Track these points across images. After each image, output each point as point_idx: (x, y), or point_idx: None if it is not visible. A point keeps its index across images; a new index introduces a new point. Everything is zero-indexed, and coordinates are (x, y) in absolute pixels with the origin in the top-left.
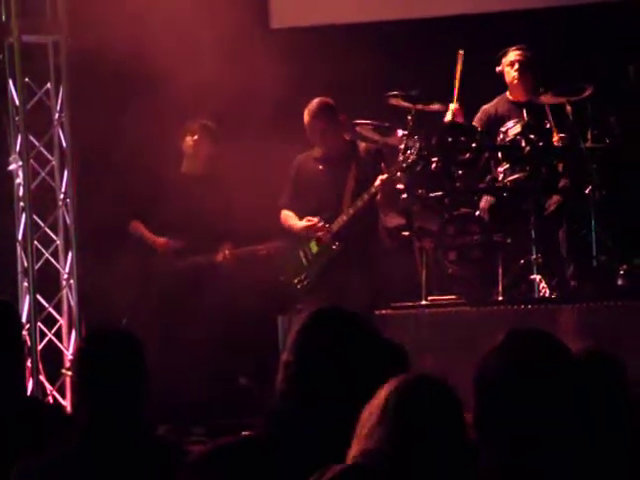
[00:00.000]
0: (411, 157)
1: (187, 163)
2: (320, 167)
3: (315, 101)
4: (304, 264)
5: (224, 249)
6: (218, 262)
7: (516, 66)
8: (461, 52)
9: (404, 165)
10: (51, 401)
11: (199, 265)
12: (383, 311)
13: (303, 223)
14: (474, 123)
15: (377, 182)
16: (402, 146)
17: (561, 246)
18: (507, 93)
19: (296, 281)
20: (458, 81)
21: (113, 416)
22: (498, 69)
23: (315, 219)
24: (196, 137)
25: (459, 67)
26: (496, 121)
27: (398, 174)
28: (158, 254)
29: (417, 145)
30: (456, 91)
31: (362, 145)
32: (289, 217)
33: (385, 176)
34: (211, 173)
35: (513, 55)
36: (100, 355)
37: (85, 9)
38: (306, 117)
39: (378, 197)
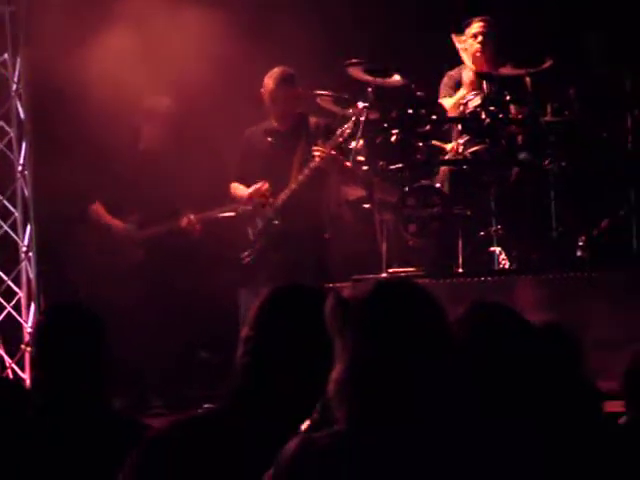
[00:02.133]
0: (347, 132)
1: (145, 140)
2: (269, 139)
3: (279, 69)
4: (250, 239)
5: (187, 214)
6: (182, 227)
7: (479, 38)
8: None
9: (340, 139)
10: (10, 374)
11: (162, 233)
12: (338, 284)
13: (249, 190)
14: (441, 88)
15: (316, 157)
16: (362, 118)
17: (521, 218)
18: (470, 62)
19: (241, 256)
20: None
21: (72, 391)
22: (462, 39)
23: (259, 184)
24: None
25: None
26: (461, 86)
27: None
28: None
29: (352, 120)
30: None
31: (312, 119)
32: (237, 188)
33: (321, 150)
34: (166, 148)
35: (476, 27)
36: (60, 329)
37: None
38: (269, 84)
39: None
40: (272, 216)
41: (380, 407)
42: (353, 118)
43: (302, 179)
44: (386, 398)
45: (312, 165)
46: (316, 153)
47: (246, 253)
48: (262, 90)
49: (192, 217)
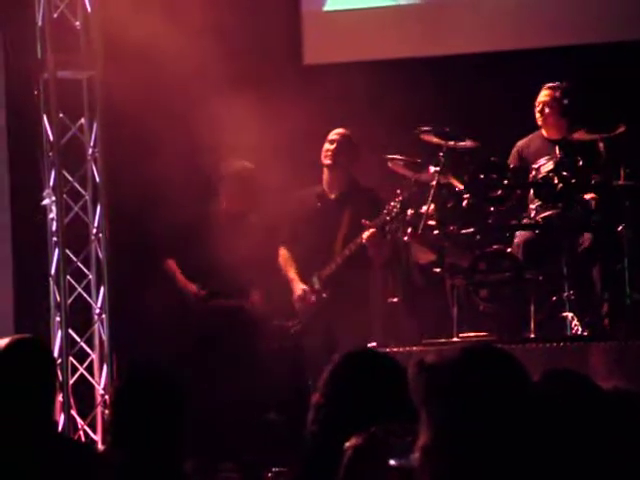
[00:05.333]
0: (395, 209)
1: (228, 202)
2: (319, 204)
3: (342, 130)
4: (296, 309)
5: (254, 295)
6: (247, 307)
7: (539, 107)
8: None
9: (387, 218)
10: (82, 436)
11: (230, 307)
12: (409, 348)
13: (299, 289)
14: (509, 160)
15: (365, 235)
16: (434, 183)
17: (594, 284)
18: (542, 130)
19: (290, 325)
20: None
21: (146, 454)
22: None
23: (309, 289)
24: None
25: None
26: (529, 157)
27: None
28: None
29: (402, 196)
30: None
31: (360, 186)
32: (286, 261)
33: (371, 231)
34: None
35: (541, 95)
36: (138, 394)
37: (119, 45)
38: (332, 141)
39: (368, 248)
40: (319, 288)
41: (469, 476)
42: (399, 198)
43: (347, 254)
44: (477, 467)
45: (358, 241)
46: (365, 234)
47: (293, 322)
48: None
49: (257, 297)
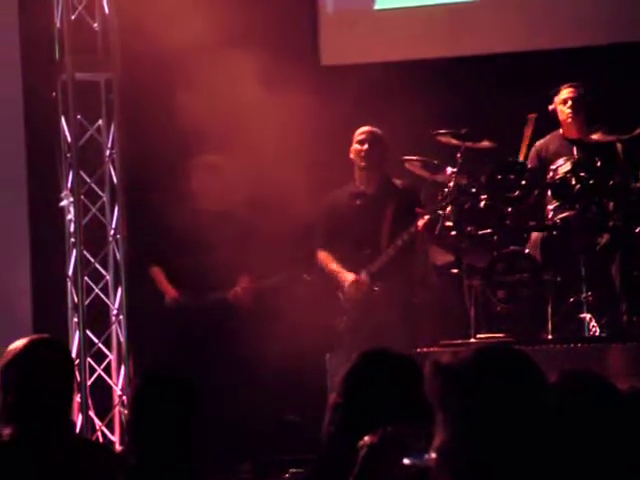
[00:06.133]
0: (449, 196)
1: (200, 199)
2: (357, 202)
3: (369, 128)
4: (343, 305)
5: (239, 285)
6: (230, 300)
7: (569, 103)
8: (533, 115)
9: (443, 204)
10: (100, 437)
11: (211, 304)
12: (427, 349)
13: (350, 277)
14: (528, 160)
15: (419, 223)
16: (451, 183)
17: (612, 285)
18: (560, 130)
19: (338, 322)
20: (525, 144)
21: (164, 456)
22: (550, 107)
23: (363, 277)
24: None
25: (529, 130)
26: (547, 158)
27: (440, 212)
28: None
29: (452, 183)
30: (523, 152)
31: (398, 182)
32: (328, 261)
33: (427, 218)
34: (226, 208)
35: (566, 92)
36: (156, 396)
37: (137, 45)
38: (363, 141)
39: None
40: (369, 282)
41: (487, 477)
42: (452, 183)
43: (400, 244)
44: (494, 467)
45: (412, 230)
46: (420, 222)
47: (343, 319)
48: (351, 151)
49: (239, 290)
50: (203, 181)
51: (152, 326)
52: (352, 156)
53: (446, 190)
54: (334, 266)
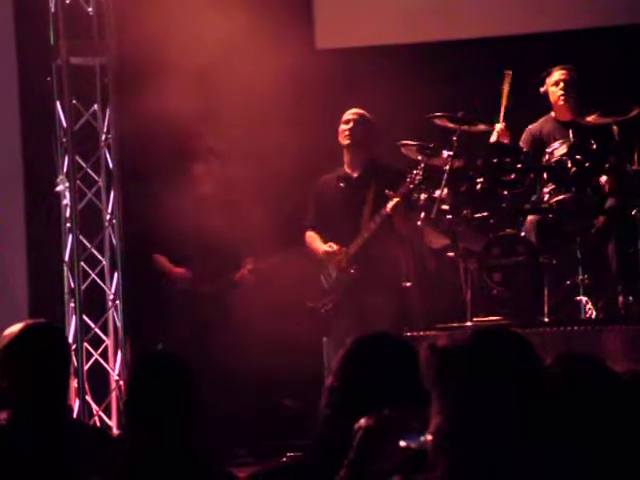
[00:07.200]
0: (417, 178)
1: (199, 185)
2: (341, 185)
3: (357, 110)
4: (326, 289)
5: (245, 266)
6: (237, 281)
7: (561, 85)
8: (509, 72)
9: (411, 186)
10: (97, 421)
11: (220, 288)
12: (423, 332)
13: (324, 247)
14: (520, 144)
15: (389, 205)
16: (447, 167)
17: (608, 267)
18: (552, 113)
19: (320, 305)
20: (505, 101)
21: (161, 440)
22: (542, 89)
23: (335, 246)
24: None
25: (506, 87)
26: (541, 141)
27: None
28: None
29: (421, 165)
30: (502, 111)
31: (383, 164)
32: (313, 240)
33: (395, 200)
34: (224, 192)
35: (558, 74)
36: (152, 380)
37: (132, 30)
38: (348, 121)
39: (393, 220)
40: (346, 264)
41: (485, 459)
42: (422, 165)
43: (374, 227)
44: (492, 449)
45: (383, 213)
46: (389, 204)
47: (324, 302)
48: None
49: (246, 271)
50: (204, 165)
51: (166, 312)
52: (339, 138)
53: (414, 172)
54: (316, 244)
